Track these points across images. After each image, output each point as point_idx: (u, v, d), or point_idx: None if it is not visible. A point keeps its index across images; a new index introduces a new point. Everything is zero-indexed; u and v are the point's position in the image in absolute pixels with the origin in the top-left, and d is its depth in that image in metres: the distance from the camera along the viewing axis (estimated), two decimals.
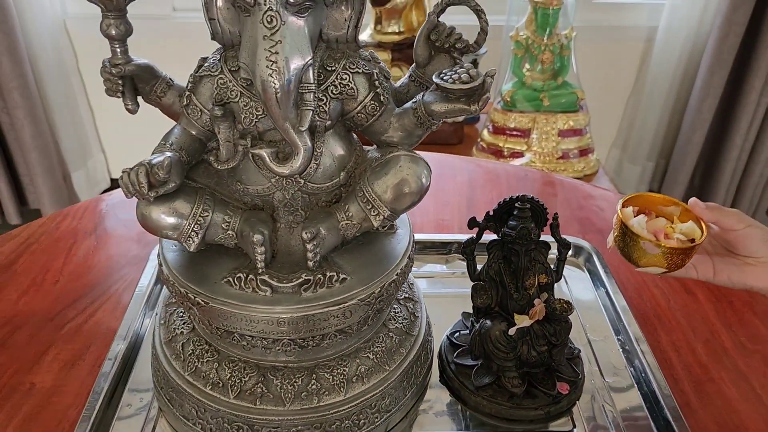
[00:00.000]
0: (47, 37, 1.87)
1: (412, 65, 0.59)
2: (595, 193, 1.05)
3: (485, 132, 1.63)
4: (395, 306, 0.65)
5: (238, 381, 0.57)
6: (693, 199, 0.63)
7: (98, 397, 0.62)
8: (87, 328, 0.72)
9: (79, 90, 2.05)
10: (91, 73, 2.04)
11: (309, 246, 0.52)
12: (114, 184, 2.26)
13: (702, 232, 0.60)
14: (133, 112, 0.58)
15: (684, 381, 0.69)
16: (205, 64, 0.54)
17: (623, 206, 0.62)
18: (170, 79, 0.58)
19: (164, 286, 0.75)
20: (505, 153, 1.59)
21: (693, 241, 0.59)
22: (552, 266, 0.64)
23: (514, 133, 1.58)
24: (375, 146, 0.59)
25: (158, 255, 0.59)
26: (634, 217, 0.61)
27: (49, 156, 1.94)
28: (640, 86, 2.07)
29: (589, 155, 1.61)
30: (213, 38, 0.54)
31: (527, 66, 1.57)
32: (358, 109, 0.54)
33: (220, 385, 0.57)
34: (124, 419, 0.62)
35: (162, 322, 0.63)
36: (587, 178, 1.62)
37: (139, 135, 2.12)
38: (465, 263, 0.68)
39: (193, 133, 0.55)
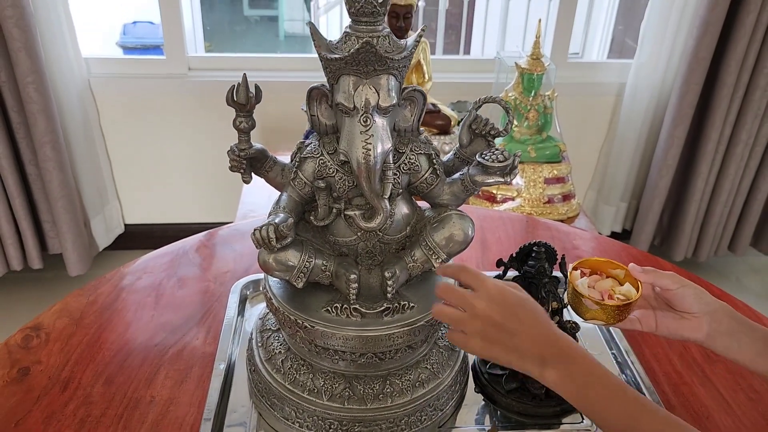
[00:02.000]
0: (74, 95, 2.04)
1: (457, 146, 0.79)
2: (582, 236, 1.25)
3: None
4: (442, 328, 0.83)
5: (329, 387, 0.75)
6: (631, 264, 0.72)
7: (212, 406, 0.78)
8: (186, 352, 0.89)
9: (100, 143, 2.21)
10: (110, 127, 2.20)
11: (389, 282, 0.71)
12: (128, 229, 2.40)
13: (637, 293, 0.70)
14: (247, 182, 0.75)
15: (664, 384, 0.88)
16: (308, 148, 0.73)
17: (573, 269, 0.73)
18: (275, 157, 0.77)
19: (241, 318, 0.92)
20: (498, 198, 1.79)
21: (629, 300, 0.70)
22: (561, 295, 0.84)
23: None
24: (431, 207, 0.78)
25: (265, 291, 0.76)
26: (581, 278, 0.73)
27: (73, 203, 2.09)
28: (612, 135, 2.32)
29: (571, 200, 1.82)
30: (311, 128, 0.73)
31: (515, 123, 1.79)
32: (421, 180, 0.74)
33: (315, 391, 0.75)
34: (233, 426, 0.79)
35: (260, 344, 0.81)
36: (569, 219, 1.83)
37: (149, 185, 2.30)
38: None
39: (297, 199, 0.74)
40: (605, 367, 0.61)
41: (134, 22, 4.02)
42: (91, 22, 3.32)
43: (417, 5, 1.75)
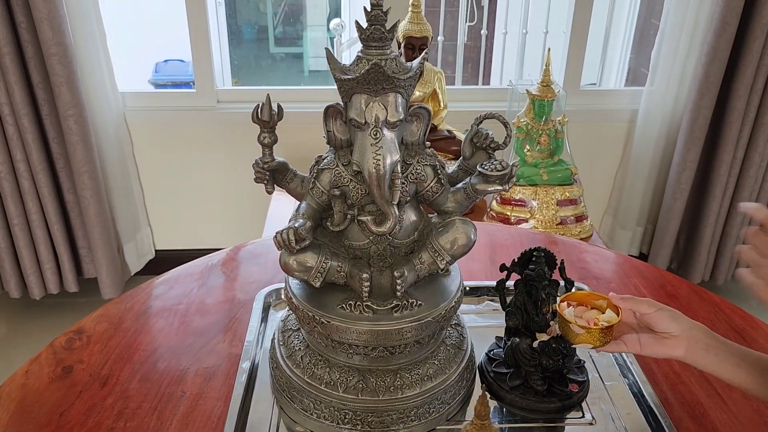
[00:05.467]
0: (111, 127, 2.16)
1: (460, 158, 0.86)
2: (590, 249, 1.31)
3: (494, 203, 1.90)
4: (449, 329, 0.89)
5: (344, 380, 0.81)
6: (611, 293, 0.80)
7: (237, 400, 0.85)
8: (214, 353, 0.96)
9: (133, 172, 2.33)
10: (143, 157, 2.31)
11: (398, 281, 0.78)
12: (158, 254, 2.50)
13: (618, 317, 0.77)
14: (270, 193, 0.83)
15: (662, 383, 0.92)
16: (324, 161, 0.81)
17: (561, 301, 0.81)
18: (295, 170, 0.85)
19: (264, 323, 0.99)
20: (512, 220, 1.85)
21: (610, 323, 0.77)
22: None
23: (519, 203, 1.86)
24: (436, 214, 0.85)
25: (286, 292, 0.83)
26: (568, 308, 0.80)
27: (108, 230, 2.19)
28: (626, 161, 2.37)
29: (584, 221, 1.87)
30: (327, 143, 0.82)
31: (528, 147, 1.86)
32: (427, 189, 0.81)
33: (332, 383, 0.81)
34: (256, 417, 0.85)
35: (281, 343, 0.88)
36: (583, 240, 1.88)
37: (178, 212, 2.40)
38: (493, 303, 0.93)
39: (314, 206, 0.81)
40: None
41: (165, 61, 4.20)
42: (125, 61, 3.49)
43: (433, 38, 1.84)
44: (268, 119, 0.78)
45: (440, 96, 1.91)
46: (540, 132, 1.82)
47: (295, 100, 2.31)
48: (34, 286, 2.18)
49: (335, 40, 3.17)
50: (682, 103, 2.19)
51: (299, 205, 0.82)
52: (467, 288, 1.08)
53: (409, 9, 1.81)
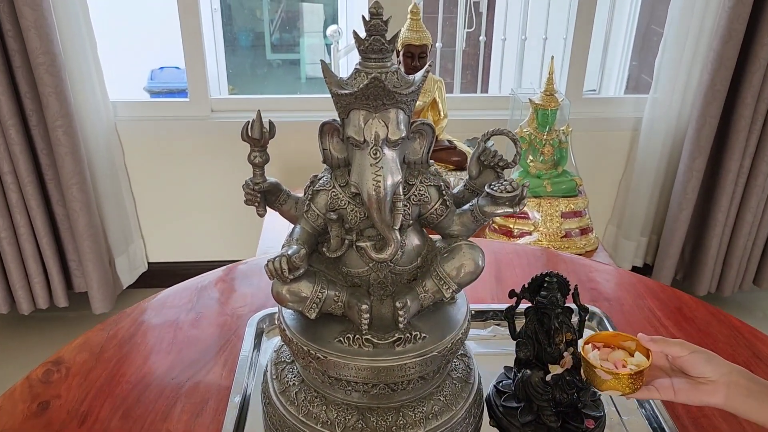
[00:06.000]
0: (101, 137, 2.10)
1: (466, 177, 0.80)
2: (600, 268, 1.25)
3: None
4: (455, 360, 0.83)
5: (342, 420, 0.75)
6: (640, 334, 0.74)
7: None
8: (203, 386, 0.90)
9: (125, 183, 2.27)
10: (135, 168, 2.26)
11: (400, 312, 0.71)
12: (151, 267, 2.44)
13: (648, 360, 0.72)
14: (262, 216, 0.77)
15: (684, 417, 0.86)
16: (320, 181, 0.75)
17: (585, 343, 0.75)
18: (288, 191, 0.79)
19: (257, 352, 0.93)
20: (515, 233, 1.80)
21: (641, 368, 0.71)
22: (575, 326, 0.83)
23: (522, 215, 1.80)
24: (441, 238, 0.79)
25: (279, 322, 0.77)
26: (593, 351, 0.75)
27: (98, 243, 2.13)
28: (630, 170, 2.31)
29: (589, 234, 1.82)
30: (323, 162, 0.75)
31: (531, 157, 1.81)
32: (431, 211, 0.75)
33: (329, 423, 0.75)
34: None
35: (274, 377, 0.81)
36: (588, 253, 1.82)
37: (171, 224, 2.34)
38: (500, 328, 0.87)
39: (309, 231, 0.75)
40: None
41: (161, 68, 4.15)
42: (119, 68, 3.45)
43: (432, 45, 1.79)
44: (258, 137, 0.72)
45: (440, 105, 1.86)
46: (543, 142, 1.76)
47: (292, 110, 2.26)
48: (22, 301, 2.12)
49: (332, 47, 3.12)
50: (687, 111, 2.15)
51: (293, 229, 0.76)
52: (473, 312, 1.02)
53: (408, 16, 1.76)
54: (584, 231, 1.80)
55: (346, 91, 0.67)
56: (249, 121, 0.72)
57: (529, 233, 1.79)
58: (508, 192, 0.72)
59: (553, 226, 1.77)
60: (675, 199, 2.19)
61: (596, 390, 0.74)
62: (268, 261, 0.70)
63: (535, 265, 1.22)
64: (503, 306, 1.02)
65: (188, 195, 2.32)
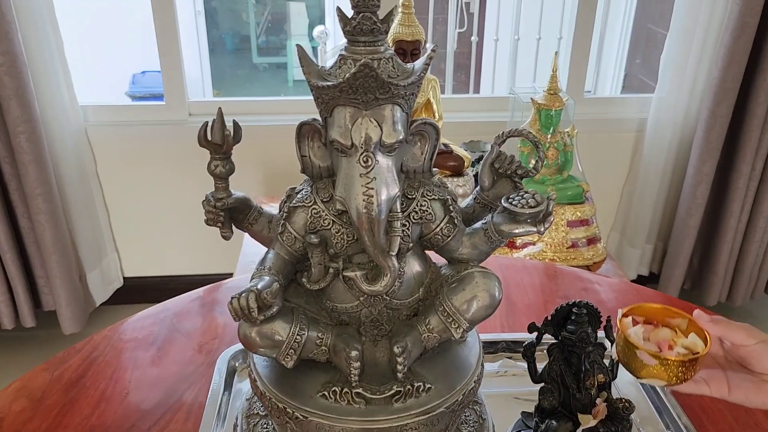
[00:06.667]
0: (70, 144, 1.95)
1: (476, 188, 0.66)
2: (623, 288, 1.11)
3: None
4: (466, 410, 0.69)
5: None
6: (697, 311, 0.61)
7: None
8: None
9: (97, 193, 2.12)
10: (108, 176, 2.12)
11: (399, 359, 0.57)
12: (127, 283, 2.29)
13: (706, 346, 0.58)
14: (227, 239, 0.63)
15: None
16: (298, 196, 0.60)
17: (624, 316, 0.62)
18: (260, 207, 0.65)
19: (228, 395, 0.78)
20: (518, 243, 1.66)
21: (696, 354, 0.58)
22: (608, 366, 0.69)
23: None
24: (447, 262, 0.65)
25: (249, 371, 0.63)
26: (634, 326, 0.61)
27: (67, 257, 1.98)
28: (635, 173, 2.19)
29: (597, 244, 1.68)
30: (303, 172, 0.61)
31: (533, 162, 1.67)
32: (436, 231, 0.61)
33: None
34: None
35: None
36: (595, 265, 1.69)
37: (149, 236, 2.19)
38: (513, 361, 0.73)
39: (286, 257, 0.61)
40: None
41: (143, 72, 4.02)
42: (102, 73, 3.33)
43: (425, 42, 1.65)
44: (220, 141, 0.58)
45: (435, 106, 1.72)
46: (547, 146, 1.63)
47: (278, 113, 2.11)
48: None
49: (319, 48, 2.98)
50: (694, 111, 2.03)
51: (265, 255, 0.62)
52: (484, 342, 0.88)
53: (399, 10, 1.62)
54: (591, 241, 1.67)
55: (329, 83, 0.53)
56: (207, 123, 0.57)
57: (533, 243, 1.65)
58: (531, 207, 0.58)
59: (559, 235, 1.64)
60: (683, 205, 2.07)
61: (634, 375, 0.60)
62: (232, 298, 0.55)
63: (549, 285, 1.09)
64: (516, 336, 0.89)
65: (166, 205, 2.18)
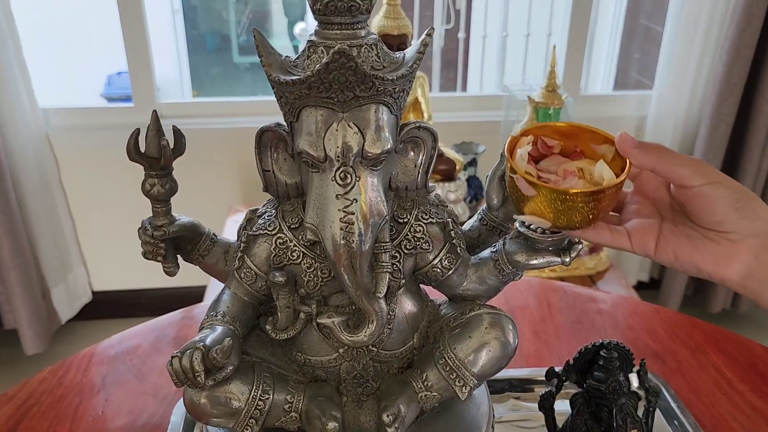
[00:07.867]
0: (30, 150, 1.82)
1: (482, 207, 0.54)
2: (639, 309, 0.99)
3: None
4: None
5: None
6: (623, 133, 0.46)
7: None
8: None
9: (61, 202, 1.98)
10: (73, 184, 1.98)
11: (390, 430, 0.45)
12: (96, 297, 2.15)
13: (618, 178, 0.42)
14: (172, 275, 0.50)
15: None
16: (260, 221, 0.48)
17: (522, 134, 0.47)
18: (214, 235, 0.52)
19: None
20: None
21: (597, 187, 0.42)
22: (644, 417, 0.57)
23: None
24: (448, 300, 0.52)
25: None
26: (526, 146, 0.46)
27: (28, 273, 1.84)
28: None
29: (599, 252, 1.57)
30: (265, 190, 0.49)
31: None
32: (434, 263, 0.48)
33: None
34: None
35: None
36: (599, 275, 1.58)
37: (119, 247, 2.05)
38: (522, 402, 0.61)
39: (245, 298, 0.48)
40: None
41: (119, 73, 3.89)
42: (76, 75, 3.22)
43: (412, 37, 1.53)
44: (156, 155, 0.45)
45: (423, 105, 1.59)
46: None
47: (258, 113, 1.97)
48: None
49: (300, 47, 2.85)
50: (697, 108, 1.93)
51: (219, 296, 0.49)
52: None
53: (384, 2, 1.50)
54: (594, 249, 1.56)
55: (295, 77, 0.41)
56: (138, 130, 0.44)
57: None
58: (553, 231, 0.46)
59: None
60: None
61: (519, 211, 0.44)
62: (172, 357, 0.43)
63: (558, 306, 0.96)
64: (524, 372, 0.76)
65: (137, 213, 2.00)
